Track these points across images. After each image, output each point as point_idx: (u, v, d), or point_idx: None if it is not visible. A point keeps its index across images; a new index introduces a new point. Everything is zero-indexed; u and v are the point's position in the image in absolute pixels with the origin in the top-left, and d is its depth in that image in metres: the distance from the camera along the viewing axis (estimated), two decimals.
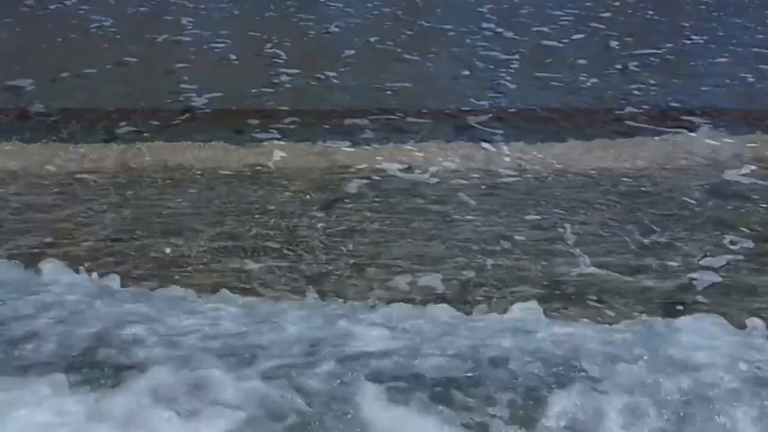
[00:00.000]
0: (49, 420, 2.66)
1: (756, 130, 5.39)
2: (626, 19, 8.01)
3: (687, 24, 7.77)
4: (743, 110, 5.78)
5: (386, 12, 8.13)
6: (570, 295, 3.59)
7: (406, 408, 2.76)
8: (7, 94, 5.91)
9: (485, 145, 5.13)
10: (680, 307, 3.48)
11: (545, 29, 7.64)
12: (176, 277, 3.69)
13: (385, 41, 7.16)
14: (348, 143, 5.12)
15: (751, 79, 6.34)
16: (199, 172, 4.73)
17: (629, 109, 5.73)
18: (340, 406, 2.76)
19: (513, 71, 6.48)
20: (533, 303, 3.44)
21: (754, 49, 7.08)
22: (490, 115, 5.62)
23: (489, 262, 3.82)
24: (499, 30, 7.57)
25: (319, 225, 4.16)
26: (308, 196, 4.46)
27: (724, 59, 6.82)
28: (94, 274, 3.62)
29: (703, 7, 8.35)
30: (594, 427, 2.73)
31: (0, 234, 4.03)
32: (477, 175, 4.74)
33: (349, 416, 2.73)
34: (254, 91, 5.95)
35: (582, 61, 6.71)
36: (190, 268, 3.77)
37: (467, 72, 6.45)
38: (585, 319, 3.39)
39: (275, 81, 6.16)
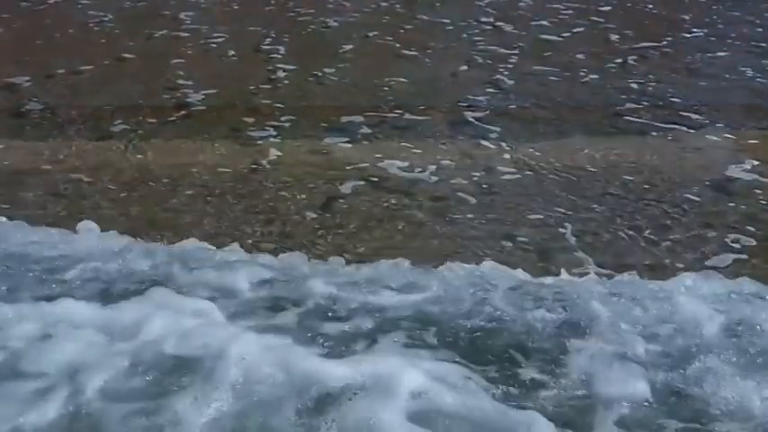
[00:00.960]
0: None
1: (757, 126, 5.27)
2: (625, 12, 7.86)
3: (687, 18, 7.62)
4: (743, 104, 5.65)
5: (384, 6, 7.99)
6: None
7: None
8: (3, 91, 5.79)
9: (483, 142, 5.01)
10: None
11: (544, 22, 7.50)
12: None
13: (383, 36, 7.02)
14: (345, 140, 5.00)
15: (750, 73, 6.20)
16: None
17: (628, 105, 5.60)
18: None
19: (511, 66, 6.34)
20: None
21: (753, 43, 6.94)
22: (488, 111, 5.49)
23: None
24: (498, 23, 7.43)
25: (316, 225, 4.07)
26: (303, 195, 4.35)
27: (724, 53, 6.67)
28: None
29: (703, 0, 8.19)
30: None
31: None
32: (476, 173, 4.62)
33: None
34: (251, 87, 5.82)
35: (581, 56, 6.58)
36: None
37: (465, 67, 6.31)
38: None
39: (272, 77, 6.03)
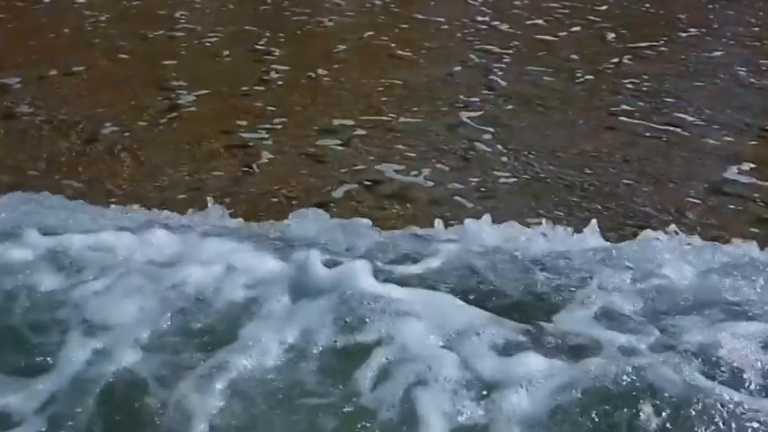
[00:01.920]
0: None
1: (752, 128, 5.15)
2: (621, 11, 7.72)
3: (683, 16, 7.48)
4: (738, 105, 5.52)
5: (379, 4, 7.85)
6: None
7: None
8: None
9: (479, 144, 4.89)
10: None
11: (540, 21, 7.36)
12: None
13: (379, 36, 6.88)
14: (339, 143, 4.88)
15: (745, 73, 6.07)
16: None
17: (623, 106, 5.47)
18: None
19: (507, 66, 6.21)
20: None
21: (749, 42, 6.82)
22: (482, 112, 5.36)
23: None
24: (494, 23, 7.29)
25: None
26: (295, 201, 4.23)
27: (719, 52, 6.55)
28: None
29: None
30: None
31: None
32: (472, 177, 4.49)
33: None
34: (244, 89, 5.69)
35: (576, 56, 6.44)
36: None
37: (459, 68, 6.18)
38: None
39: (265, 78, 5.89)
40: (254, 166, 4.59)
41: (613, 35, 7.00)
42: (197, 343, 2.93)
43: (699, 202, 4.24)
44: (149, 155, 4.72)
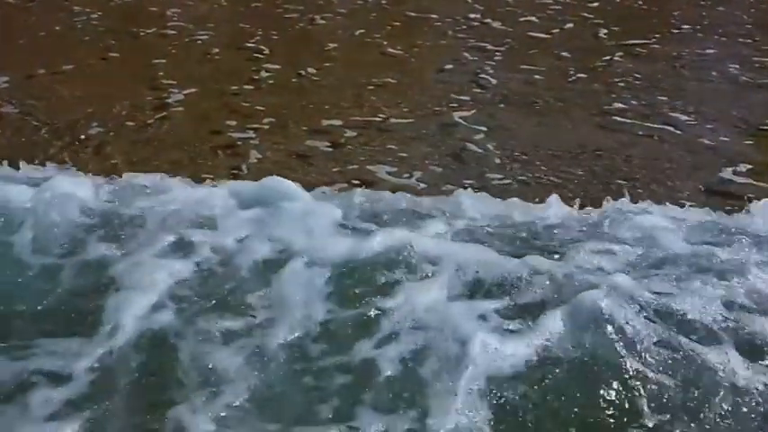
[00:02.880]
0: None
1: (744, 126, 5.02)
2: (613, 8, 7.57)
3: (676, 13, 7.34)
4: (730, 103, 5.39)
5: (372, 1, 7.68)
6: None
7: None
8: None
9: (470, 145, 4.75)
10: None
11: (533, 18, 7.21)
12: None
13: (370, 34, 6.73)
14: (328, 143, 4.73)
15: (738, 71, 5.94)
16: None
17: (615, 104, 5.34)
18: None
19: (498, 63, 6.07)
20: None
21: (740, 39, 6.68)
22: (474, 111, 5.22)
23: None
24: (486, 20, 7.14)
25: None
26: None
27: (712, 50, 6.42)
28: None
29: None
30: None
31: None
32: (466, 178, 4.35)
33: None
34: (234, 88, 5.54)
35: (569, 53, 6.30)
36: None
37: (451, 66, 6.03)
38: None
39: (255, 77, 5.73)
40: (243, 166, 4.45)
41: (606, 32, 6.86)
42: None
43: (693, 202, 4.10)
44: (138, 155, 4.57)
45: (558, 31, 6.90)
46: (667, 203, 4.01)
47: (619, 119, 5.13)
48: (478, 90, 5.56)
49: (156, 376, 2.85)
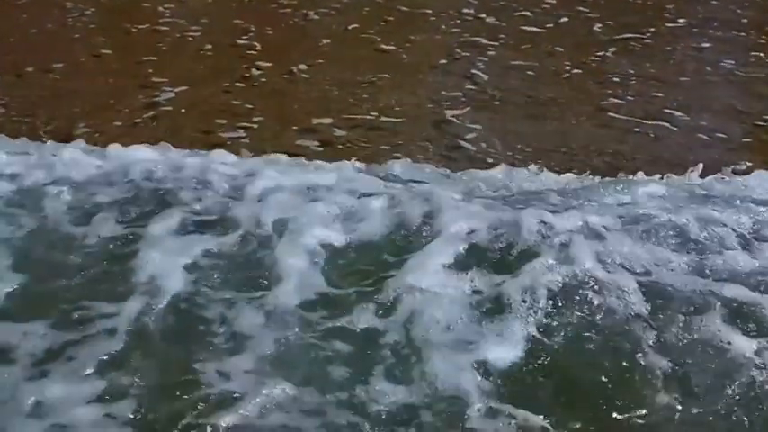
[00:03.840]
0: None
1: (739, 124, 4.91)
2: (608, 3, 7.41)
3: (670, 6, 7.19)
4: (726, 98, 5.27)
5: None
6: None
7: None
8: None
9: (463, 143, 4.63)
10: None
11: (528, 13, 7.06)
12: None
13: (364, 29, 6.59)
14: (319, 143, 4.61)
15: (732, 66, 5.81)
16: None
17: (610, 99, 5.21)
18: None
19: (493, 60, 5.94)
20: None
21: (734, 33, 6.55)
22: (468, 108, 5.10)
23: None
24: (481, 15, 6.99)
25: None
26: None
27: (707, 44, 6.29)
28: None
29: None
30: None
31: None
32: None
33: None
34: (225, 85, 5.41)
35: (563, 48, 6.17)
36: None
37: (444, 61, 5.90)
38: None
39: (246, 75, 5.60)
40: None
41: (600, 26, 6.72)
42: None
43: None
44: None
45: (552, 25, 6.76)
46: None
47: (613, 114, 5.02)
48: (472, 86, 5.44)
49: (185, 337, 3.05)
